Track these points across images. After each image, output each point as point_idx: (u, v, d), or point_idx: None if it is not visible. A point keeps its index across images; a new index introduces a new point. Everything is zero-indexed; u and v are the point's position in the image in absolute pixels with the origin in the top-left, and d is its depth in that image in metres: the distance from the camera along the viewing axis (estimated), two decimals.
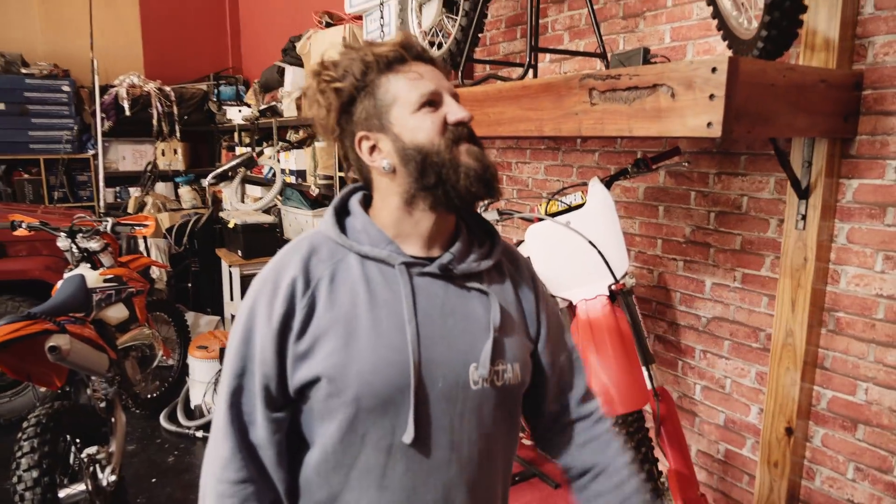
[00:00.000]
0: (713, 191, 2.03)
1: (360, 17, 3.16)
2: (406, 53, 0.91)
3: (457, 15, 2.30)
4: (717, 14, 1.59)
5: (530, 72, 1.98)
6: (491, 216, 2.00)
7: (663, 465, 1.78)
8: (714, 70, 1.25)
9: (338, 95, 0.91)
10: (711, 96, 1.26)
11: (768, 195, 1.87)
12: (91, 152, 5.35)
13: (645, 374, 1.71)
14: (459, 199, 0.90)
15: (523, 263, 1.07)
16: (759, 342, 1.94)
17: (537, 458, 2.57)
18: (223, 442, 0.89)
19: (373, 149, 0.92)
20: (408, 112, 0.89)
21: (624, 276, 1.77)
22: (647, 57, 1.56)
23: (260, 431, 0.89)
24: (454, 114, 0.90)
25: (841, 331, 1.71)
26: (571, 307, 1.82)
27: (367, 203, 0.98)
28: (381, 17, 2.82)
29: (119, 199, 5.61)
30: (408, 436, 0.85)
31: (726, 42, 1.59)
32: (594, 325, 1.70)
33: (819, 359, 1.76)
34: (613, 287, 1.74)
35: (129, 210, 5.37)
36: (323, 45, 3.43)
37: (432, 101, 0.90)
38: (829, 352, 1.74)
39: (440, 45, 2.43)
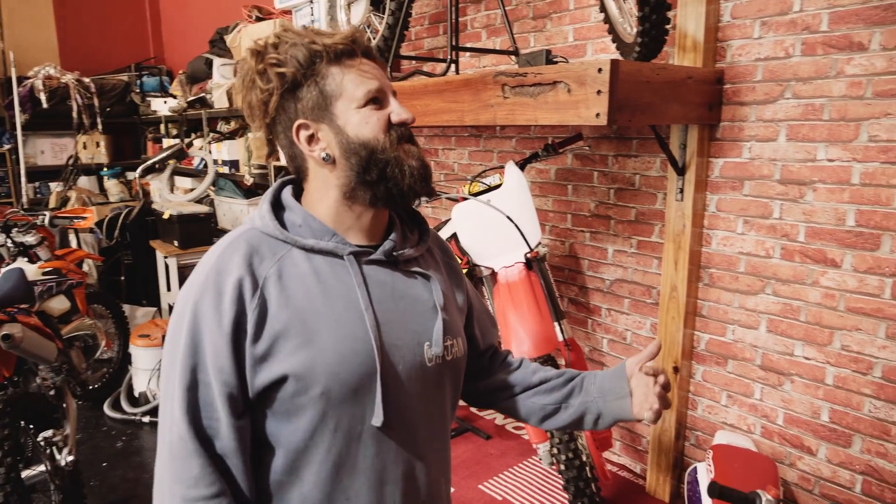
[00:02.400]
0: (612, 170, 2.35)
1: (289, 13, 3.29)
2: (356, 48, 0.91)
3: (384, 13, 2.50)
4: (607, 20, 1.89)
5: (452, 67, 2.22)
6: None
7: None
8: (600, 70, 1.53)
9: (281, 79, 0.89)
10: (598, 91, 1.54)
11: (655, 173, 2.21)
12: (7, 147, 5.17)
13: (557, 328, 2.00)
14: (401, 196, 0.92)
15: (446, 246, 1.14)
16: (651, 298, 2.28)
17: (469, 415, 2.85)
18: (189, 460, 0.84)
19: (311, 138, 0.91)
20: (353, 106, 0.90)
21: (538, 246, 2.05)
22: (549, 57, 1.82)
23: (226, 442, 0.86)
24: (398, 114, 0.92)
25: (713, 284, 2.07)
26: (493, 274, 2.09)
27: (298, 195, 0.98)
28: (311, 14, 2.97)
29: (39, 195, 5.44)
30: (377, 419, 0.87)
31: (615, 45, 1.89)
32: (512, 287, 1.98)
33: (697, 308, 2.12)
34: (528, 255, 2.02)
35: (51, 205, 5.24)
36: (253, 38, 3.54)
37: (377, 99, 0.91)
38: (705, 302, 2.10)
39: (368, 41, 2.63)
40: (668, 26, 1.63)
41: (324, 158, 0.91)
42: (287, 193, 0.97)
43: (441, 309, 0.96)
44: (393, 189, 0.91)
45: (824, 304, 1.81)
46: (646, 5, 1.59)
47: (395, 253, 0.96)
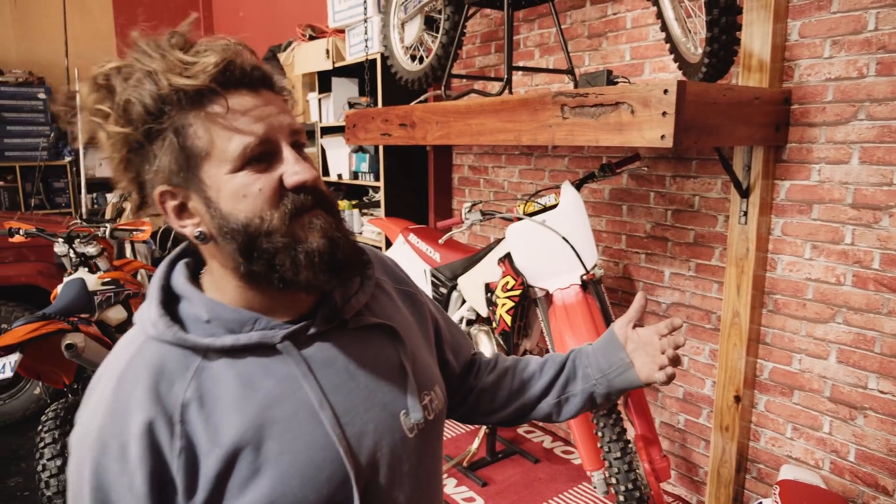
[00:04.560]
0: (669, 191, 2.29)
1: (342, 31, 3.35)
2: (220, 85, 0.65)
3: (437, 32, 2.52)
4: (668, 39, 1.85)
5: (507, 87, 2.21)
6: (475, 217, 2.23)
7: (631, 433, 2.03)
8: (666, 92, 1.50)
9: (121, 140, 0.66)
10: (664, 113, 1.51)
11: (716, 195, 2.15)
12: (68, 159, 5.40)
13: None
14: (302, 289, 0.70)
15: (394, 267, 0.93)
16: (710, 323, 2.21)
17: (517, 437, 2.81)
18: None
19: (180, 209, 0.69)
20: (224, 170, 0.65)
21: (594, 268, 2.01)
22: (610, 77, 1.80)
23: None
24: (293, 174, 0.67)
25: (778, 310, 1.99)
26: (548, 295, 2.05)
27: (195, 273, 0.75)
28: (365, 33, 3.02)
29: (96, 205, 5.65)
30: None
31: (677, 64, 1.85)
32: (569, 310, 1.95)
33: (761, 335, 2.04)
34: (585, 277, 1.98)
35: (107, 216, 5.43)
36: (306, 56, 3.61)
37: (263, 155, 0.66)
38: (769, 329, 2.02)
39: (421, 60, 2.65)
40: (736, 47, 1.59)
41: (197, 237, 0.68)
42: (180, 278, 0.73)
43: (410, 366, 0.79)
44: (290, 282, 0.68)
45: None
46: (715, 25, 1.55)
47: (336, 314, 0.75)
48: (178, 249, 0.77)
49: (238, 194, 0.66)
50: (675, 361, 0.91)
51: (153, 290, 0.72)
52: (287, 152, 0.68)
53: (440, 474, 0.87)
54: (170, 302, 0.72)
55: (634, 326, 0.97)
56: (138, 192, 0.70)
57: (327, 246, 0.68)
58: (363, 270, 0.78)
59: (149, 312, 0.70)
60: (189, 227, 0.69)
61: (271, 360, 0.70)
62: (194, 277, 0.75)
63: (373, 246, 1.11)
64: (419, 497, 0.79)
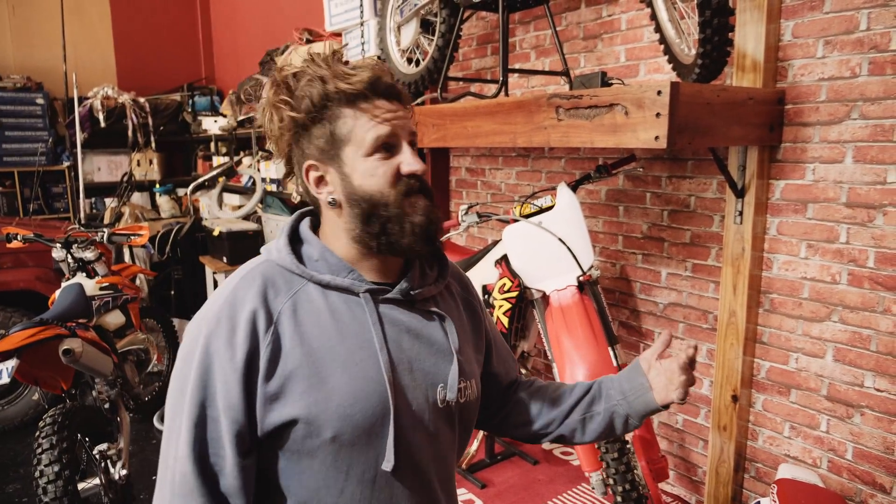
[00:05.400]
0: (665, 192, 2.30)
1: (339, 35, 3.35)
2: (370, 92, 0.87)
3: (433, 35, 2.53)
4: (663, 40, 1.86)
5: (503, 89, 2.22)
6: (471, 219, 2.24)
7: (629, 434, 2.03)
8: (659, 93, 1.50)
9: (292, 121, 0.87)
10: (658, 114, 1.51)
11: (712, 195, 2.15)
12: (66, 164, 5.40)
13: (610, 353, 1.96)
14: (400, 252, 0.89)
15: (466, 281, 1.11)
16: (707, 323, 2.21)
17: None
18: (190, 499, 0.80)
19: (320, 180, 0.90)
20: (361, 154, 0.86)
21: (590, 269, 2.02)
22: (604, 79, 1.80)
23: (230, 480, 0.81)
24: (409, 164, 0.88)
25: (775, 309, 1.99)
26: (545, 297, 2.06)
27: (315, 228, 0.96)
28: (362, 36, 3.02)
29: (95, 210, 5.66)
30: (388, 463, 0.84)
31: (671, 65, 1.86)
32: (566, 311, 1.95)
33: (757, 334, 2.04)
34: (581, 278, 1.98)
35: (106, 220, 5.43)
36: (282, 64, 3.62)
37: (389, 146, 0.87)
38: (765, 328, 2.02)
39: (417, 63, 2.66)
40: (729, 48, 1.60)
41: (330, 202, 0.89)
42: (305, 226, 0.95)
43: (456, 352, 0.93)
44: (394, 245, 0.88)
45: None
46: (707, 27, 1.56)
47: (411, 292, 0.92)
48: (302, 210, 0.98)
49: (367, 173, 0.86)
50: (691, 381, 1.02)
51: (284, 230, 0.93)
52: (405, 147, 0.89)
53: (455, 463, 0.99)
54: (294, 241, 0.93)
55: (658, 358, 1.06)
56: (287, 164, 0.94)
57: (426, 222, 0.88)
58: (439, 250, 0.98)
59: (277, 243, 0.91)
60: (324, 194, 0.90)
61: (354, 303, 0.88)
62: (314, 230, 0.95)
63: None
64: (439, 461, 0.93)
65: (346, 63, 0.90)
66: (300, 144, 0.89)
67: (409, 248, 0.88)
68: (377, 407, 0.84)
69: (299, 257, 0.90)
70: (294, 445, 0.83)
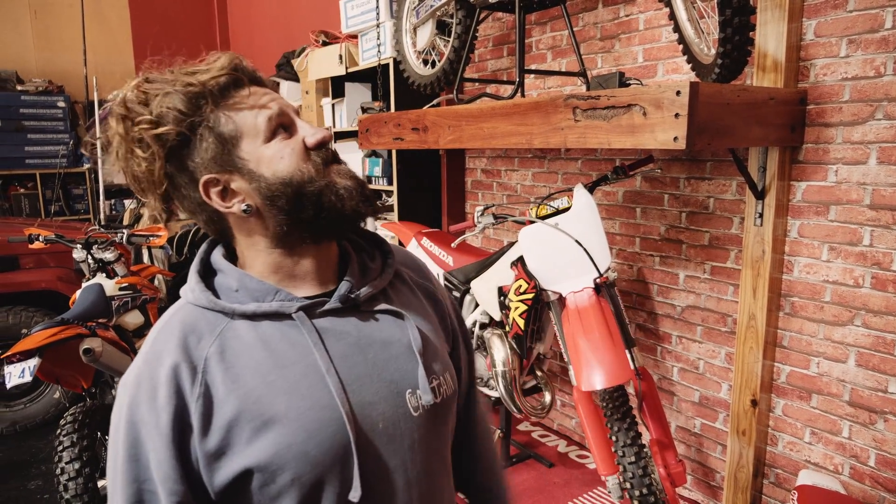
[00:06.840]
0: (683, 193, 2.28)
1: (355, 37, 3.37)
2: (241, 76, 0.79)
3: (449, 37, 2.53)
4: (682, 40, 1.84)
5: (519, 90, 2.21)
6: (487, 220, 2.23)
7: (646, 437, 2.02)
8: (678, 93, 1.49)
9: (161, 142, 0.75)
10: (677, 115, 1.50)
11: (731, 196, 2.12)
12: (86, 166, 5.48)
13: (627, 355, 1.94)
14: (346, 222, 0.81)
15: (420, 265, 1.00)
16: (726, 326, 2.19)
17: (531, 441, 2.80)
18: None
19: (224, 192, 0.79)
20: (260, 142, 0.78)
21: (607, 271, 2.00)
22: (622, 80, 1.79)
23: None
24: (313, 135, 0.80)
25: (795, 313, 1.96)
26: (561, 299, 2.05)
27: (231, 256, 0.86)
28: (378, 38, 3.03)
29: (114, 212, 5.73)
30: (354, 493, 0.75)
31: (690, 65, 1.84)
32: (582, 313, 1.94)
33: (778, 338, 2.01)
34: (598, 280, 1.97)
35: (125, 221, 5.50)
36: (320, 62, 3.64)
37: (285, 126, 0.80)
38: (786, 332, 1.99)
39: (433, 64, 2.66)
40: (750, 47, 1.58)
41: (244, 211, 0.78)
42: (217, 255, 0.84)
43: (418, 351, 0.84)
44: (336, 218, 0.80)
45: None
46: (728, 26, 1.54)
47: (351, 295, 0.82)
48: (212, 238, 0.88)
49: (276, 157, 0.78)
50: None
51: (194, 266, 0.83)
52: (300, 121, 0.82)
53: (448, 458, 0.91)
54: (207, 274, 0.83)
55: None
56: (163, 207, 0.82)
57: (357, 184, 0.81)
58: (378, 209, 0.89)
59: (189, 282, 0.82)
60: (235, 206, 0.79)
61: (288, 328, 0.79)
62: (230, 257, 0.86)
63: None
64: (423, 475, 0.83)
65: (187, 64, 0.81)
66: (183, 165, 0.78)
67: (355, 212, 0.80)
68: (335, 436, 0.75)
69: (216, 292, 0.80)
70: (255, 497, 0.75)
